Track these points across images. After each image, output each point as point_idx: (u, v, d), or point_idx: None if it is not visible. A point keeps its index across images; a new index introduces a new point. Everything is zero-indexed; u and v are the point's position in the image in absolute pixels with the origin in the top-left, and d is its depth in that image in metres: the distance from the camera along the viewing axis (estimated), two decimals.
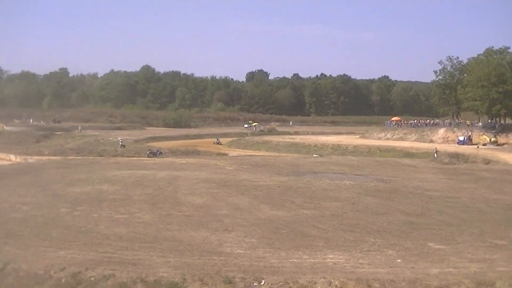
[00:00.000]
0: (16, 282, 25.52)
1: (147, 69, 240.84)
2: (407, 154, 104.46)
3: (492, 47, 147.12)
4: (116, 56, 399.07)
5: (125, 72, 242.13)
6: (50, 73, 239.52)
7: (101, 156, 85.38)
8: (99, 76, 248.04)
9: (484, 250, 31.83)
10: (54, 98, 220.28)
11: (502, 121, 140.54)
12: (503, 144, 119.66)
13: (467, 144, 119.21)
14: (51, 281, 25.81)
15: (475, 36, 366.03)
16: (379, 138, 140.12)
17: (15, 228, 34.26)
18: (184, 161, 75.58)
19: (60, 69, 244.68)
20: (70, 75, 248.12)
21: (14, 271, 26.50)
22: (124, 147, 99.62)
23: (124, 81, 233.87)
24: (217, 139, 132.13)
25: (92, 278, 25.81)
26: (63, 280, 25.86)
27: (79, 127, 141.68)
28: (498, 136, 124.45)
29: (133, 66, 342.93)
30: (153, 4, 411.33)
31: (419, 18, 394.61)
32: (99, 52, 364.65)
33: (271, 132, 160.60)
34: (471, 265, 28.92)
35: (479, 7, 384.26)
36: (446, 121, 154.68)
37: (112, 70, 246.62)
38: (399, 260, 29.40)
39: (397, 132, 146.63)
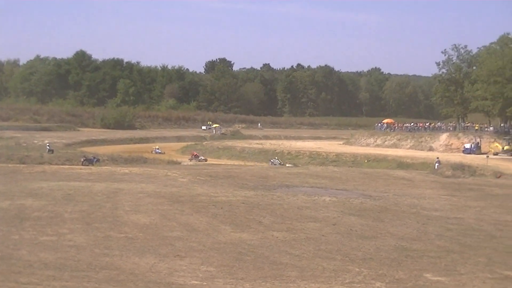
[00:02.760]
0: None
1: (81, 56, 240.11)
2: (401, 164, 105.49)
3: (508, 33, 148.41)
4: (42, 39, 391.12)
5: (54, 59, 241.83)
6: None
7: (23, 163, 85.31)
8: (20, 63, 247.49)
9: (492, 283, 32.29)
10: None
11: None
12: None
13: (475, 153, 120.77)
14: None
15: (489, 20, 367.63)
16: (367, 145, 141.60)
17: None
18: (127, 171, 75.78)
19: None
20: None
21: None
22: (53, 152, 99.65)
23: (53, 70, 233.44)
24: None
25: None
26: None
27: None
28: None
29: (64, 52, 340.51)
30: None
31: None
32: (20, 34, 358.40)
33: (235, 135, 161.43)
34: None
35: None
36: (449, 124, 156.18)
37: (38, 56, 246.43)
38: None
39: (389, 137, 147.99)
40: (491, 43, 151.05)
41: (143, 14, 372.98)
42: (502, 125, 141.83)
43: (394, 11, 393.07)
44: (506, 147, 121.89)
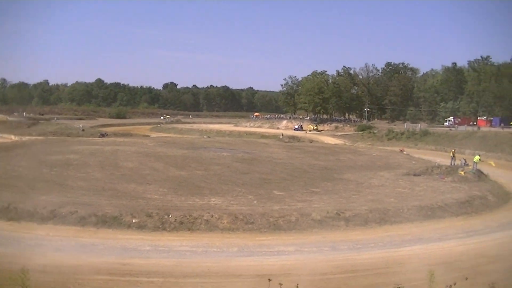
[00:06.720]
0: (15, 215, 25.35)
1: (99, 81, 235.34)
2: (263, 136, 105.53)
3: (316, 70, 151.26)
4: (78, 69, 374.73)
5: (85, 82, 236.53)
6: (37, 83, 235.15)
7: (68, 136, 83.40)
8: (68, 85, 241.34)
9: (306, 195, 33.00)
10: (38, 99, 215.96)
11: (321, 117, 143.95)
12: (321, 130, 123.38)
13: (300, 130, 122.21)
14: (37, 215, 25.72)
15: (307, 63, 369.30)
16: (246, 126, 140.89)
17: (14, 182, 33.61)
18: (121, 140, 74.53)
19: (44, 80, 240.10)
20: (50, 84, 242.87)
21: (14, 209, 26.26)
22: (84, 131, 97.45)
23: (84, 88, 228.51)
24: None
25: (62, 213, 25.79)
26: (45, 214, 25.77)
27: (55, 118, 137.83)
28: (318, 126, 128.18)
29: (89, 78, 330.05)
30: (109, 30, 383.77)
31: (272, 50, 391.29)
32: (70, 65, 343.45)
33: (178, 122, 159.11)
34: (298, 203, 30.02)
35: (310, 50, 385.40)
36: (287, 115, 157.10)
37: (76, 81, 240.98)
38: (255, 202, 30.22)
39: (257, 122, 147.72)
40: (308, 75, 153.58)
41: (131, 55, 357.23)
42: (313, 116, 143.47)
43: (260, 55, 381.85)
44: (315, 127, 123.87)
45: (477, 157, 48.80)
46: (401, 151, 69.35)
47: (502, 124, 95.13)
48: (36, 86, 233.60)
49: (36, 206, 26.60)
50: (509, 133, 78.35)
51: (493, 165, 50.46)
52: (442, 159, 56.85)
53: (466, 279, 10.57)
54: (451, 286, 8.71)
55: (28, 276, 8.23)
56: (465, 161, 48.96)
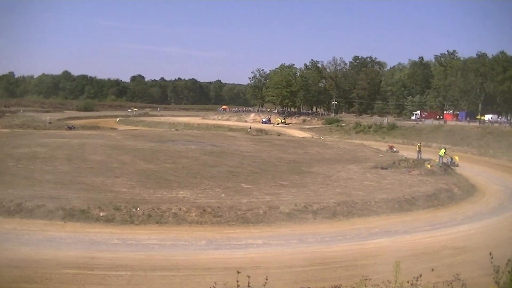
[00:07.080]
0: None
1: (66, 73, 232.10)
2: (231, 129, 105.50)
3: (284, 63, 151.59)
4: (46, 61, 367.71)
5: (52, 75, 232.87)
6: (3, 75, 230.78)
7: (35, 129, 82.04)
8: (35, 77, 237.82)
9: (274, 188, 33.11)
10: (4, 91, 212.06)
11: (289, 110, 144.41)
12: (289, 123, 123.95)
13: (268, 123, 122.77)
14: (3, 208, 25.26)
15: (275, 56, 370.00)
16: (214, 119, 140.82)
17: None
18: (89, 133, 73.74)
19: (9, 72, 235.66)
20: (16, 76, 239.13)
21: None
22: (51, 123, 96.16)
23: (51, 81, 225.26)
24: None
25: (29, 207, 25.41)
26: (11, 207, 25.35)
27: (21, 110, 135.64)
28: (286, 119, 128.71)
29: (56, 70, 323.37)
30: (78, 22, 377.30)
31: (240, 43, 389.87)
32: (36, 56, 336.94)
33: (146, 115, 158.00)
34: (266, 196, 30.10)
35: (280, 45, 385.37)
36: (255, 109, 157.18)
37: (43, 73, 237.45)
38: (223, 195, 30.20)
39: (225, 115, 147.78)
40: (276, 68, 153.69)
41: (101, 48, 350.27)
42: (281, 109, 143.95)
43: (229, 49, 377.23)
44: (282, 121, 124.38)
45: (442, 151, 49.74)
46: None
47: (468, 118, 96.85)
48: (1, 78, 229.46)
49: (2, 200, 26.14)
50: (474, 127, 79.80)
51: (457, 159, 51.42)
52: (410, 152, 57.63)
53: (432, 270, 10.74)
54: (417, 277, 8.87)
55: None
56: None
